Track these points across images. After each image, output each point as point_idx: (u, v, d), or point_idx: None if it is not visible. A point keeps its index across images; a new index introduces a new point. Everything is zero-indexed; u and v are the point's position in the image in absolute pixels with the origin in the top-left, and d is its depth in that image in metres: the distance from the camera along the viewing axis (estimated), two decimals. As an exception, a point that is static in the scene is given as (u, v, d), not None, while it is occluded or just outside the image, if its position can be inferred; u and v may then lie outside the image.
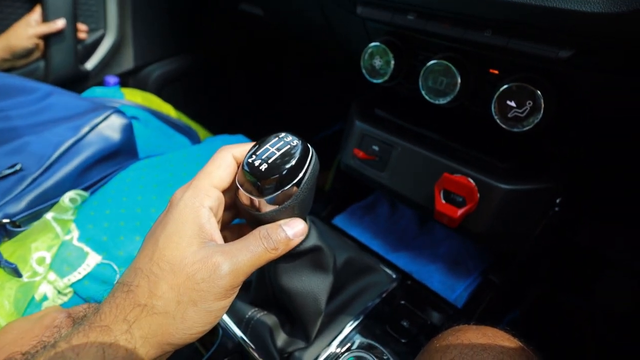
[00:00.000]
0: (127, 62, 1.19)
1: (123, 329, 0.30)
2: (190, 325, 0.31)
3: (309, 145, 0.36)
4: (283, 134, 0.36)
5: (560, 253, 0.88)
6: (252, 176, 0.34)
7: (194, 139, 1.00)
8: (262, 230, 0.34)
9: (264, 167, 0.33)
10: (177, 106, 1.10)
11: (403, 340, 0.53)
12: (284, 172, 0.33)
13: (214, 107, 1.42)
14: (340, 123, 1.27)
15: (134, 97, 0.99)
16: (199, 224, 0.33)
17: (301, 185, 0.34)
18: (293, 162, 0.33)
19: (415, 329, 0.54)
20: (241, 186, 0.35)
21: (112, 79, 1.08)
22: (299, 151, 0.34)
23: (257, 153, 0.34)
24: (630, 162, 0.63)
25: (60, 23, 0.96)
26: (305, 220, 0.39)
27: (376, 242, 0.74)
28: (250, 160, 0.34)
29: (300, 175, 0.34)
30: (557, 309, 0.93)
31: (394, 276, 0.60)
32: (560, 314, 0.93)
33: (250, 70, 1.47)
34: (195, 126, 1.07)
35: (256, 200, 0.34)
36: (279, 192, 0.33)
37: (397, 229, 0.77)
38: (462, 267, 0.70)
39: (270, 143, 0.35)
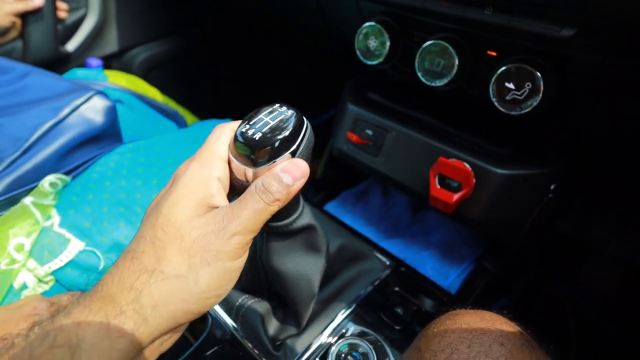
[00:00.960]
0: (111, 44, 1.14)
1: (130, 298, 0.28)
2: (205, 288, 0.30)
3: (303, 116, 0.34)
4: (277, 105, 0.35)
5: (548, 240, 0.88)
6: (245, 146, 0.32)
7: (181, 123, 0.97)
8: (258, 183, 0.32)
9: (257, 136, 0.32)
10: (163, 91, 1.06)
11: (397, 327, 0.52)
12: (278, 142, 0.32)
13: (201, 92, 1.39)
14: (332, 110, 1.25)
15: (118, 79, 0.96)
16: (208, 192, 0.32)
17: (296, 156, 0.33)
18: (287, 132, 0.32)
19: (410, 316, 0.54)
20: (234, 157, 0.33)
21: (94, 62, 1.03)
22: (293, 122, 0.33)
23: (251, 123, 0.33)
24: (623, 148, 0.63)
25: (38, 1, 0.91)
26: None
27: (369, 229, 0.73)
28: (243, 129, 0.33)
29: (295, 145, 0.33)
30: (544, 295, 0.94)
31: (388, 263, 0.59)
32: (547, 300, 0.94)
33: (239, 54, 1.43)
34: (182, 111, 1.04)
35: (249, 170, 0.33)
36: (273, 162, 0.32)
37: (390, 216, 0.76)
38: (455, 254, 0.69)
39: (264, 113, 0.34)
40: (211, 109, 1.37)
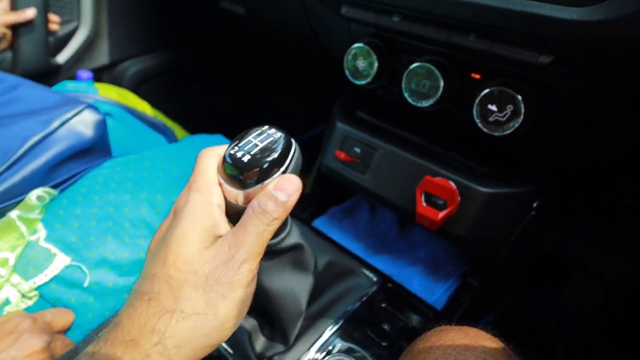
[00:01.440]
0: (102, 56, 1.14)
1: (153, 341, 0.28)
2: (224, 319, 0.30)
3: (291, 138, 0.35)
4: (266, 127, 0.35)
5: (530, 256, 0.90)
6: (233, 168, 0.33)
7: (171, 138, 0.98)
8: (254, 205, 0.32)
9: (246, 158, 0.32)
10: (153, 104, 1.07)
11: (384, 344, 0.52)
12: (266, 165, 0.32)
13: (191, 107, 1.39)
14: (322, 126, 1.27)
15: (108, 92, 0.96)
16: (212, 223, 0.32)
17: None
18: (276, 154, 0.33)
19: (396, 332, 0.54)
20: (223, 179, 0.34)
21: (85, 74, 1.03)
22: (281, 144, 0.33)
23: (240, 145, 0.34)
24: (601, 172, 0.65)
25: (30, 13, 0.91)
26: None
27: (356, 245, 0.74)
28: (232, 152, 0.33)
29: (284, 167, 0.33)
30: (529, 311, 0.95)
31: (375, 279, 0.60)
32: (532, 317, 0.95)
33: (229, 70, 1.45)
34: (172, 125, 1.05)
35: (237, 192, 0.33)
36: (261, 184, 0.33)
37: (377, 233, 0.77)
38: (441, 270, 0.70)
39: (253, 135, 0.34)
40: (202, 122, 1.37)
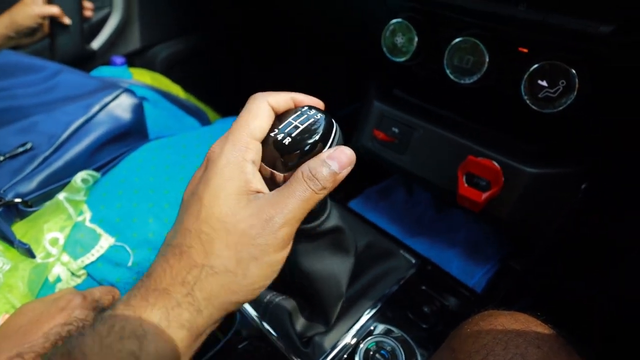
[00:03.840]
0: (134, 41, 1.16)
1: (183, 292, 0.29)
2: (253, 280, 0.30)
3: (332, 119, 0.34)
4: (305, 108, 0.34)
5: (576, 240, 0.86)
6: (274, 150, 0.32)
7: (204, 120, 0.98)
8: (305, 170, 0.31)
9: (287, 141, 0.32)
10: (185, 87, 1.07)
11: (424, 326, 0.52)
12: (308, 147, 0.31)
13: (222, 89, 1.39)
14: (355, 105, 1.24)
15: (142, 77, 0.97)
16: (244, 179, 0.31)
17: None
18: (317, 136, 0.32)
19: (436, 315, 0.53)
20: (262, 160, 0.33)
21: (118, 59, 1.05)
22: (322, 125, 0.32)
23: (280, 127, 0.33)
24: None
25: (65, 20, 0.93)
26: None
27: (393, 227, 0.73)
28: (272, 133, 0.33)
29: (325, 149, 0.32)
30: (567, 297, 0.92)
31: (414, 261, 0.59)
32: (570, 304, 0.92)
33: (259, 51, 1.44)
34: (204, 107, 1.05)
35: (278, 175, 0.33)
36: None
37: (414, 215, 0.76)
38: (480, 253, 0.69)
39: (293, 117, 0.33)
40: (233, 105, 1.37)
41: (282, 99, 0.34)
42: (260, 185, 0.32)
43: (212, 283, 0.29)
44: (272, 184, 0.33)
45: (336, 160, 0.31)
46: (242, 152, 0.32)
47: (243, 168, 0.31)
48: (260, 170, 0.34)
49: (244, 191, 0.31)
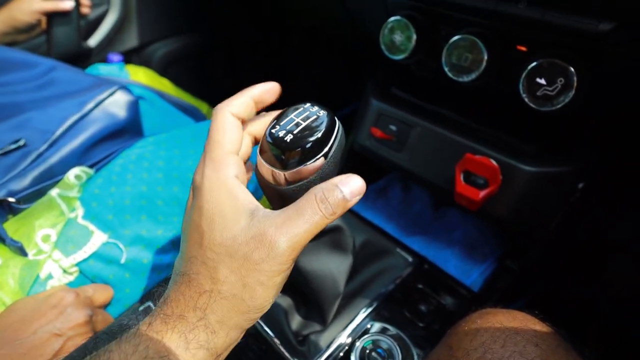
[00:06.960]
0: (131, 39, 1.15)
1: (197, 316, 0.29)
2: (261, 302, 0.30)
3: (335, 117, 0.33)
4: (308, 104, 0.33)
5: (573, 239, 0.86)
6: (275, 148, 0.31)
7: (200, 119, 0.98)
8: (317, 193, 0.30)
9: (288, 138, 0.31)
10: (182, 86, 1.07)
11: (421, 324, 0.51)
12: (309, 145, 0.30)
13: (219, 87, 1.39)
14: (353, 105, 1.24)
15: (138, 75, 0.96)
16: (233, 197, 0.30)
17: (328, 159, 0.32)
18: (319, 134, 0.31)
19: (433, 313, 0.53)
20: (262, 158, 0.33)
21: (115, 57, 1.04)
22: (325, 123, 0.31)
23: (281, 124, 0.32)
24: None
25: (68, 3, 0.92)
26: None
27: (390, 225, 0.73)
28: (273, 130, 0.31)
29: (327, 147, 0.31)
30: (562, 297, 0.92)
31: (410, 260, 0.59)
32: (566, 302, 0.92)
33: (256, 50, 1.43)
34: (200, 106, 1.05)
35: (279, 173, 0.32)
36: (304, 165, 0.31)
37: (411, 213, 0.76)
38: (478, 252, 0.68)
39: (295, 113, 0.32)
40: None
41: (243, 104, 0.34)
42: (252, 199, 0.31)
43: (223, 306, 0.29)
44: (271, 182, 0.33)
45: (348, 187, 0.30)
46: (223, 170, 0.31)
47: (228, 186, 0.31)
48: (259, 168, 0.33)
49: (238, 210, 0.30)
